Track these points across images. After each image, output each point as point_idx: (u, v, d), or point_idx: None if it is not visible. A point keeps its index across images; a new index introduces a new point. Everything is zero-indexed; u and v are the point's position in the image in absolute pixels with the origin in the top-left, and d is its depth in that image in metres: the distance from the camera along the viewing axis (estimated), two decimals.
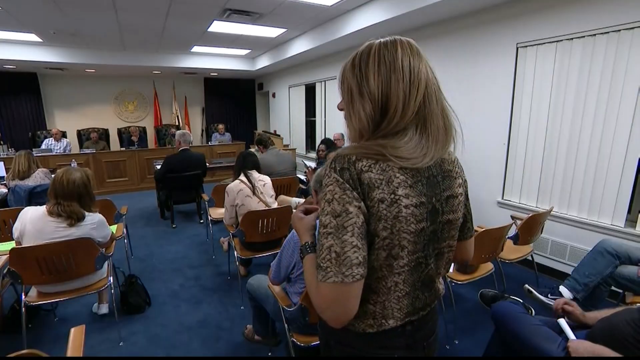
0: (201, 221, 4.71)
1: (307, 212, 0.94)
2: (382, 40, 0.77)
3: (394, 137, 0.74)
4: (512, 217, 2.89)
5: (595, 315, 1.49)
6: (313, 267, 0.76)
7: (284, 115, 8.48)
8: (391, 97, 0.73)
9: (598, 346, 1.28)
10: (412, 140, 0.74)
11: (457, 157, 0.87)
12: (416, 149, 0.73)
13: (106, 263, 2.31)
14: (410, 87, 0.73)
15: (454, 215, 0.83)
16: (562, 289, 2.32)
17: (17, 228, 1.98)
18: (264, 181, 2.92)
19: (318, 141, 6.52)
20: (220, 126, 8.04)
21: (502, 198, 3.48)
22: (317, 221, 0.78)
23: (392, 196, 0.71)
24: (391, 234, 0.73)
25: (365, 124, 0.75)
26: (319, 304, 0.73)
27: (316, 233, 0.90)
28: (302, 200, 3.41)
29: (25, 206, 2.32)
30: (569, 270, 2.69)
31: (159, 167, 4.65)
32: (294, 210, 0.97)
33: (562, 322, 1.48)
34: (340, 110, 0.83)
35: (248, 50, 7.08)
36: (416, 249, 0.77)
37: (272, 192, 2.96)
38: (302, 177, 4.36)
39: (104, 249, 2.24)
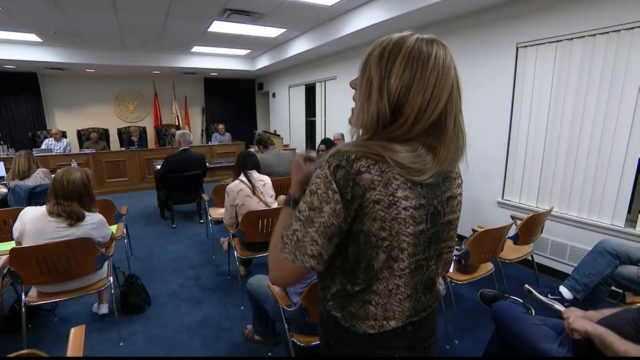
0: (201, 221, 4.71)
1: (307, 159, 0.90)
2: (419, 37, 0.73)
3: (398, 143, 0.72)
4: (512, 217, 2.89)
5: (596, 316, 1.49)
6: (284, 224, 0.78)
7: (284, 115, 8.48)
8: (406, 106, 0.71)
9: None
10: (414, 151, 0.72)
11: None
12: (417, 163, 0.71)
13: (106, 263, 2.31)
14: (429, 103, 0.70)
15: (453, 216, 0.84)
16: (562, 289, 2.32)
17: (17, 228, 1.98)
18: (264, 181, 2.92)
19: (318, 141, 6.52)
20: (220, 126, 8.04)
21: (502, 198, 3.48)
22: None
23: (391, 198, 0.70)
24: (390, 236, 0.72)
25: (374, 121, 0.73)
26: (270, 261, 0.80)
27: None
28: None
29: (25, 206, 2.31)
30: (569, 270, 2.69)
31: (159, 167, 4.65)
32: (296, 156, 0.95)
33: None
34: (353, 88, 0.80)
35: (248, 50, 7.07)
36: (416, 252, 0.77)
37: (272, 192, 2.96)
38: None
39: (104, 249, 2.23)
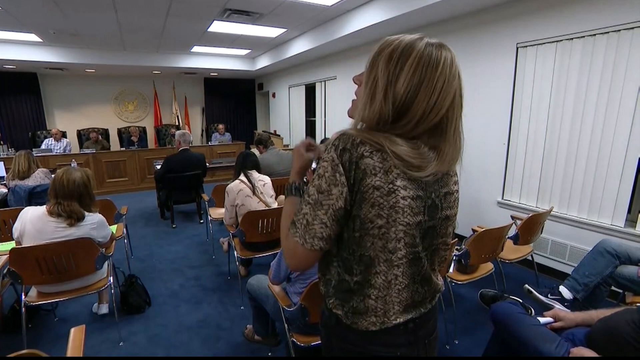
0: (201, 221, 4.71)
1: (309, 147, 0.94)
2: (429, 41, 0.74)
3: (400, 138, 0.74)
4: (512, 217, 2.89)
5: (591, 315, 1.50)
6: (290, 212, 0.83)
7: (284, 115, 8.48)
8: (411, 109, 0.73)
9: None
10: (417, 149, 0.74)
11: None
12: (417, 159, 0.73)
13: (106, 263, 2.31)
14: (432, 108, 0.73)
15: (451, 212, 0.85)
16: (562, 289, 2.32)
17: (17, 228, 1.98)
18: (264, 181, 2.92)
19: (318, 141, 6.50)
20: (220, 126, 8.04)
21: (502, 198, 3.48)
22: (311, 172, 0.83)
23: (390, 186, 0.72)
24: (387, 224, 0.74)
25: (374, 120, 0.75)
26: (284, 249, 0.82)
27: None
28: None
29: (25, 206, 2.32)
30: (569, 270, 2.69)
31: (159, 167, 4.65)
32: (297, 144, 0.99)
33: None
34: (356, 84, 0.83)
35: (248, 50, 7.07)
36: (415, 243, 0.78)
37: (272, 192, 2.96)
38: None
39: (104, 249, 2.23)
